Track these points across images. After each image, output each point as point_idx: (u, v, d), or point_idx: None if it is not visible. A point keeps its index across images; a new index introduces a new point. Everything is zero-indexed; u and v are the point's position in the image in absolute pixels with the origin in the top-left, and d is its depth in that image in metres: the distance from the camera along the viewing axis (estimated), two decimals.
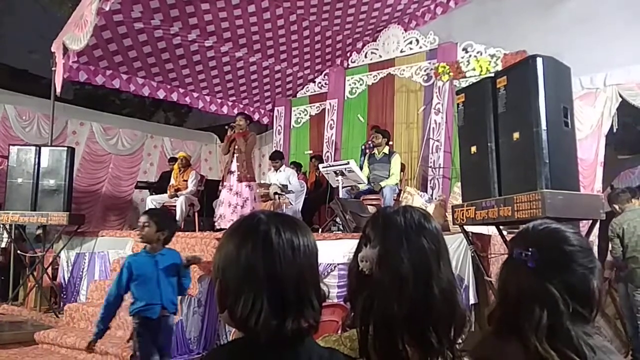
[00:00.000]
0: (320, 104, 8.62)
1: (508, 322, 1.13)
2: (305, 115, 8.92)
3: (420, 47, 7.44)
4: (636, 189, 5.18)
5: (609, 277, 4.95)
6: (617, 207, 4.89)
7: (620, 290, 4.89)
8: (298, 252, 0.93)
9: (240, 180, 5.88)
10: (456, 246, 4.23)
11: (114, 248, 6.06)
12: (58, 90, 6.57)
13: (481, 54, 6.74)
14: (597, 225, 3.79)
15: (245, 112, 7.81)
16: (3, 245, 7.34)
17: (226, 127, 6.10)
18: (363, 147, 7.43)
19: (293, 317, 0.89)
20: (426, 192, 6.59)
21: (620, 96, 5.69)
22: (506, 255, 1.22)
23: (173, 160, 8.34)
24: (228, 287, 0.91)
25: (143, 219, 3.19)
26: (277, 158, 7.21)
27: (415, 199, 5.65)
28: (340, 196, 5.79)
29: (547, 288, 1.08)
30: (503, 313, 1.15)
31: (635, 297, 4.68)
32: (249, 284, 0.89)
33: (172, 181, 7.15)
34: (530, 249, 1.11)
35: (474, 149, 3.81)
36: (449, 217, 4.48)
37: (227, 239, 0.95)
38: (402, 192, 6.07)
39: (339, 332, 1.22)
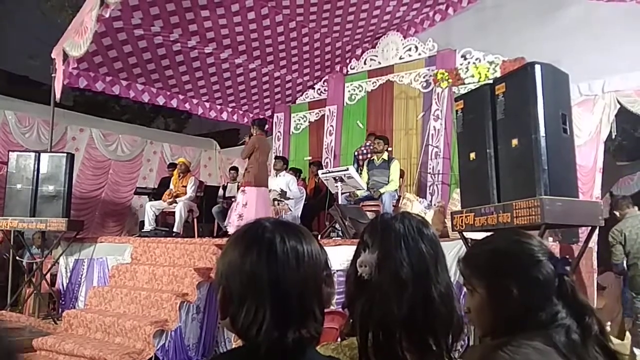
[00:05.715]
0: (320, 111, 8.64)
1: (504, 333, 1.12)
2: (304, 121, 8.93)
3: (419, 54, 7.47)
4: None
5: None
6: (617, 213, 4.89)
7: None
8: (302, 261, 0.92)
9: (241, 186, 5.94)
10: (455, 252, 4.21)
11: (113, 254, 6.05)
12: (58, 96, 6.57)
13: (480, 61, 6.76)
14: (597, 231, 3.79)
15: (259, 117, 7.91)
16: None
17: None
18: (355, 153, 7.41)
19: (295, 328, 0.88)
20: (425, 198, 6.58)
21: (619, 103, 5.71)
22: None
23: (172, 166, 8.34)
24: (231, 295, 0.91)
25: None
26: (280, 160, 7.22)
27: (415, 205, 5.64)
28: (340, 202, 5.78)
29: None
30: (506, 325, 1.13)
31: (636, 304, 4.68)
32: (252, 292, 0.89)
33: (171, 187, 7.15)
34: (568, 263, 1.11)
35: (472, 155, 3.80)
36: (448, 224, 4.47)
37: (231, 246, 0.94)
38: (402, 198, 6.06)
39: (338, 339, 1.21)
